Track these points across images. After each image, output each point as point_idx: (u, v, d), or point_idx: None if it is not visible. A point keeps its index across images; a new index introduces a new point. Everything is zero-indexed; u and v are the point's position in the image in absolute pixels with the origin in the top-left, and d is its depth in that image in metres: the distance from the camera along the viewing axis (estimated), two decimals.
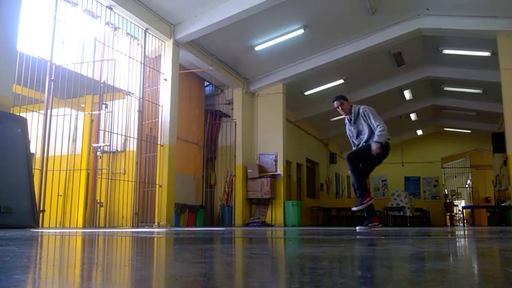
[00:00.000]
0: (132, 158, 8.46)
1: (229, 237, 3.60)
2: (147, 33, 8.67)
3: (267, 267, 1.36)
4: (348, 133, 5.95)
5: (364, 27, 10.42)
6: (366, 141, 5.57)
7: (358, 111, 5.66)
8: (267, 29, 9.98)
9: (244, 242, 2.95)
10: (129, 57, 8.47)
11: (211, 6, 8.73)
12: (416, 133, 21.31)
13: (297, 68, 11.87)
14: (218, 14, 8.75)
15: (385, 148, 5.48)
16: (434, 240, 3.20)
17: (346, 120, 5.90)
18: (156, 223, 8.46)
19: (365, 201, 5.45)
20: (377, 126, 5.45)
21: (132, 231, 5.10)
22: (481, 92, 14.00)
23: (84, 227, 7.81)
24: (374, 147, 5.36)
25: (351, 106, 5.75)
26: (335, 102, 5.78)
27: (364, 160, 5.62)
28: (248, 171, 11.99)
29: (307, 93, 13.79)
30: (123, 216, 8.16)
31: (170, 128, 8.84)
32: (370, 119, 5.54)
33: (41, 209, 6.30)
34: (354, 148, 5.82)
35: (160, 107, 8.91)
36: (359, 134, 5.71)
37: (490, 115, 15.59)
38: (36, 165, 6.43)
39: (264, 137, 12.43)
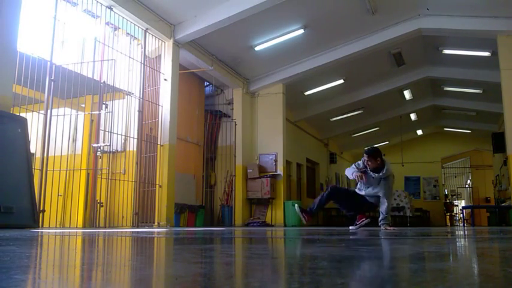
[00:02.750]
0: (132, 158, 8.46)
1: (229, 237, 3.59)
2: (147, 33, 8.67)
3: (267, 267, 1.36)
4: (356, 176, 5.75)
5: (364, 27, 10.41)
6: (379, 196, 5.78)
7: (387, 177, 5.71)
8: (267, 29, 9.98)
9: (244, 242, 2.95)
10: (129, 57, 8.47)
11: (211, 6, 8.73)
12: (416, 133, 21.31)
13: (297, 68, 11.87)
14: (218, 14, 8.75)
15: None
16: (434, 240, 3.20)
17: (363, 165, 5.78)
18: (156, 223, 8.46)
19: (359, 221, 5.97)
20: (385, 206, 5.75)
21: (132, 231, 5.09)
22: (481, 92, 14.00)
23: (84, 227, 7.80)
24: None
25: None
26: (376, 158, 5.66)
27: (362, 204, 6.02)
28: (248, 171, 11.99)
29: (307, 93, 13.79)
30: (123, 216, 8.16)
31: (170, 128, 8.84)
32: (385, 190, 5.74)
33: (41, 209, 6.29)
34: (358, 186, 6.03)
35: (160, 107, 8.91)
36: (371, 186, 5.82)
37: (490, 115, 15.59)
38: (36, 165, 6.43)
39: (264, 137, 12.43)
